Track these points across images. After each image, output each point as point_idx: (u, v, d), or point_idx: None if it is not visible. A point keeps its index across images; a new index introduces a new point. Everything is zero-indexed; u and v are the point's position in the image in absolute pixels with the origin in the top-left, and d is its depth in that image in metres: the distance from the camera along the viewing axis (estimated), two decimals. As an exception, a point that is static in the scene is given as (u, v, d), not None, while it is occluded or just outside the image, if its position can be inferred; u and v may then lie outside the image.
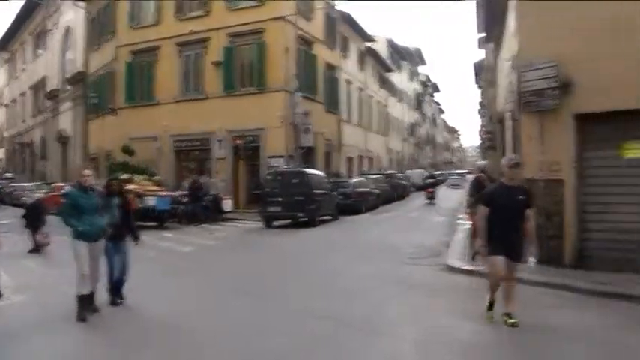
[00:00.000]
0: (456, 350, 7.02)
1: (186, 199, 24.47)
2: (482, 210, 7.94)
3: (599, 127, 11.23)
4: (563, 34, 11.35)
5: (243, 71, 30.48)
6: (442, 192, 40.70)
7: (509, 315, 7.72)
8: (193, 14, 31.80)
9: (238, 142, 29.68)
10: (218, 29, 30.62)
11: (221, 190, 27.43)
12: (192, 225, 23.17)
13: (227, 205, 26.54)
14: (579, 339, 7.23)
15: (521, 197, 7.79)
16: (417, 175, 51.54)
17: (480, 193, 8.78)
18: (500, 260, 7.71)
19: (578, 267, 11.11)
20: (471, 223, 13.26)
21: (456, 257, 13.26)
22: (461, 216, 14.22)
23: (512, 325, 7.57)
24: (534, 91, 11.52)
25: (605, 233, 11.14)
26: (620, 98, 10.67)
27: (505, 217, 7.67)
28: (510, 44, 14.42)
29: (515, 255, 7.79)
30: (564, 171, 11.34)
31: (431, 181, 38.21)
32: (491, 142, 26.61)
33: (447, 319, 8.37)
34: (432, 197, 35.24)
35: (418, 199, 39.26)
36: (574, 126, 11.39)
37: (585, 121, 11.32)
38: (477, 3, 20.92)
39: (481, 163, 16.39)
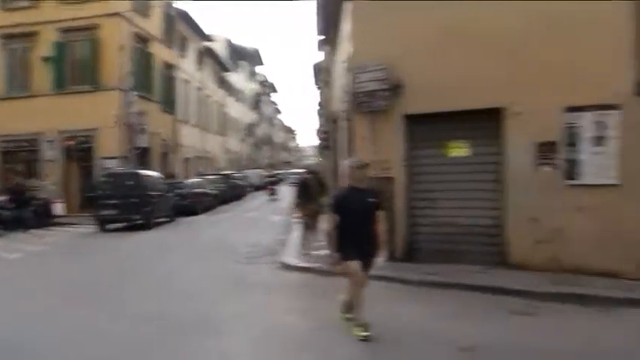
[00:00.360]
0: (293, 348, 7.14)
1: (12, 204, 23.02)
2: (332, 217, 7.39)
3: (427, 127, 11.86)
4: (394, 38, 11.86)
5: (75, 68, 28.89)
6: (283, 190, 41.27)
7: (362, 326, 7.32)
8: (20, 5, 29.61)
9: (70, 142, 28.25)
10: (48, 23, 28.80)
11: (51, 194, 26.04)
12: (20, 231, 21.84)
13: (58, 209, 25.20)
14: (412, 330, 7.58)
15: (370, 200, 7.43)
16: (254, 175, 51.64)
17: (334, 198, 7.99)
18: (357, 265, 7.25)
19: (409, 260, 11.68)
20: (301, 220, 13.73)
21: (292, 255, 13.49)
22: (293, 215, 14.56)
23: (365, 338, 7.16)
24: (366, 92, 11.94)
25: (432, 227, 11.84)
26: (445, 100, 11.34)
27: (356, 221, 7.28)
28: (345, 47, 14.86)
29: (368, 260, 7.40)
30: (395, 169, 11.87)
31: (272, 179, 39.25)
32: (327, 141, 27.23)
33: (284, 317, 8.50)
34: (273, 194, 37.05)
35: (256, 199, 39.53)
36: (404, 126, 11.97)
37: (414, 122, 11.92)
38: (317, 5, 21.29)
39: (308, 163, 16.79)
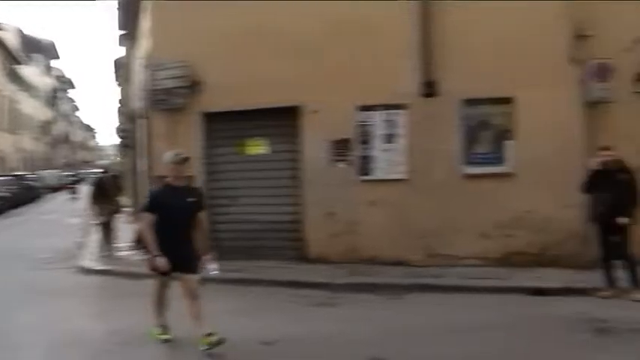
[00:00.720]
0: (88, 354, 6.88)
1: None
2: (147, 218, 6.62)
3: (226, 125, 11.96)
4: (194, 36, 11.77)
5: None
6: (84, 190, 39.66)
7: (210, 334, 6.49)
8: None
9: None
10: None
11: None
12: None
13: None
14: (215, 327, 7.46)
15: (191, 199, 6.72)
16: (51, 175, 48.94)
17: (148, 197, 7.20)
18: (169, 279, 6.74)
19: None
20: (98, 222, 13.33)
21: (91, 258, 13.07)
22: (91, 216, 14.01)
23: (219, 342, 6.42)
24: (164, 89, 11.81)
25: (233, 224, 11.94)
26: (243, 99, 11.45)
27: (174, 223, 6.55)
28: (144, 43, 14.53)
29: (190, 267, 6.67)
30: (194, 167, 11.77)
31: (73, 179, 38.52)
32: (127, 140, 26.47)
33: (80, 323, 8.14)
34: (74, 192, 36.47)
35: (54, 201, 37.71)
36: (202, 124, 12.00)
37: (213, 120, 11.97)
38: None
39: (105, 162, 16.35)
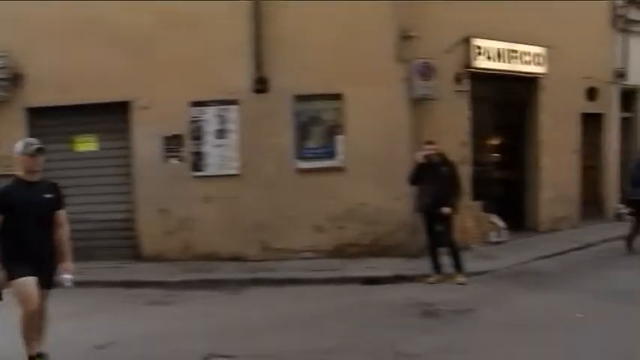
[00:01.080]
0: None
1: None
2: None
3: (52, 121, 11.46)
4: (15, 26, 11.19)
5: None
6: None
7: (42, 357, 5.62)
8: None
9: None
10: None
11: None
12: None
13: None
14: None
15: (48, 195, 5.75)
16: None
17: None
18: (32, 284, 5.45)
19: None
20: None
21: None
22: None
23: None
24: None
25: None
26: (71, 93, 11.06)
27: (28, 224, 5.54)
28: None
29: (46, 275, 5.64)
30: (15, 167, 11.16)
31: None
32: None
33: None
34: None
35: None
36: (27, 119, 11.44)
37: (38, 115, 11.44)
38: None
39: None
